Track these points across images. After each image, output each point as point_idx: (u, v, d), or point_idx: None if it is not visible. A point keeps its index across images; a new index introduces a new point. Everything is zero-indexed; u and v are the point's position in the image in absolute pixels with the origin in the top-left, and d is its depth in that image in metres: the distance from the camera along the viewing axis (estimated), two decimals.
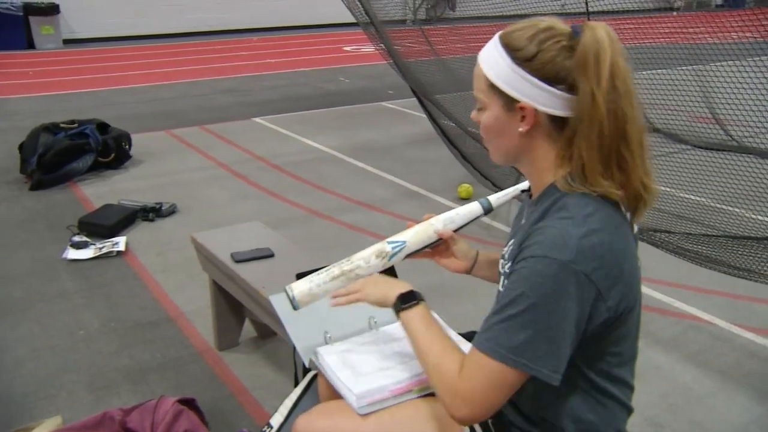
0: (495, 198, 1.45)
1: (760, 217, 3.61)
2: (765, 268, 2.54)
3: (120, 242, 3.71)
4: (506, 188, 1.49)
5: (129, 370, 2.60)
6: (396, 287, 1.32)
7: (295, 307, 1.38)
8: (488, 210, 1.45)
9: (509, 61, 1.14)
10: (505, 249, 1.28)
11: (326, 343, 1.55)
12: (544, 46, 1.12)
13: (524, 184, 1.44)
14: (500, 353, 1.09)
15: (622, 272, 1.12)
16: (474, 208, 1.44)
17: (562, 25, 1.14)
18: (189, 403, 2.20)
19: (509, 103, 1.16)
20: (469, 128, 4.42)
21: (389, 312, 1.35)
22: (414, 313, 1.27)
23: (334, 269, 1.39)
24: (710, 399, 2.44)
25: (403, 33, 5.06)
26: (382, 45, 4.62)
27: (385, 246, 1.39)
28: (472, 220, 1.44)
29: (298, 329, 1.66)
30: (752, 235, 3.01)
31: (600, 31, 1.09)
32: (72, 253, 3.60)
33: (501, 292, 1.20)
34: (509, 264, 1.18)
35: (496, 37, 1.19)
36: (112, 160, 5.06)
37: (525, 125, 1.16)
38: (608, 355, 1.18)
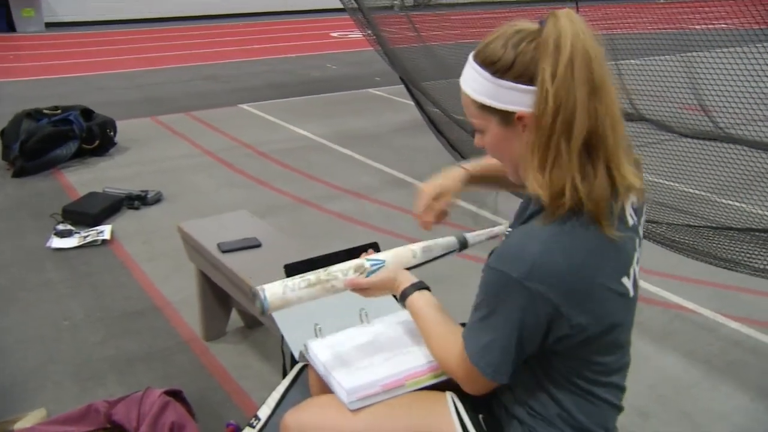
0: (471, 236, 1.51)
1: (745, 206, 3.63)
2: (750, 260, 2.55)
3: (105, 231, 3.67)
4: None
5: (115, 360, 2.58)
6: (399, 286, 1.37)
7: (264, 311, 1.35)
8: (463, 246, 1.51)
9: (489, 76, 1.11)
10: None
11: (317, 336, 1.54)
12: (519, 49, 1.08)
13: (500, 228, 1.52)
14: (472, 350, 1.17)
15: (591, 292, 1.09)
16: (451, 241, 1.50)
17: (531, 24, 1.10)
18: (176, 394, 2.18)
19: (506, 117, 1.13)
20: (455, 115, 4.41)
21: (380, 305, 1.36)
22: (414, 299, 1.34)
23: (311, 276, 1.39)
24: (696, 389, 2.46)
25: (391, 19, 5.02)
26: (369, 31, 4.59)
27: (364, 263, 1.42)
28: (448, 253, 1.50)
29: (287, 322, 1.64)
30: (737, 226, 3.03)
31: (563, 19, 1.05)
32: (56, 242, 3.56)
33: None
34: None
35: (470, 58, 1.16)
36: (96, 147, 5.00)
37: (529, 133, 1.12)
38: (593, 364, 1.18)
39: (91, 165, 4.89)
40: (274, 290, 1.36)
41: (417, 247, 1.46)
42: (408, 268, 1.45)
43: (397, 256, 1.45)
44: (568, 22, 1.04)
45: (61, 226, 3.69)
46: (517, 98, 1.10)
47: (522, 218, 1.18)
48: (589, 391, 1.20)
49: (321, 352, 1.47)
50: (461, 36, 5.10)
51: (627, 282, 1.16)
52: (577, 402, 1.20)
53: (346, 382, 1.33)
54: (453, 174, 1.51)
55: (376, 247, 1.84)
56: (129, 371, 2.51)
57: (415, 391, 1.36)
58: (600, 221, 1.08)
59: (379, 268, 1.41)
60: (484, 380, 1.18)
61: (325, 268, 1.40)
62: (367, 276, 1.40)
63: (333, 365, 1.41)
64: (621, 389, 1.25)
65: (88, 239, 3.58)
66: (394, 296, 1.76)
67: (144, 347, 2.66)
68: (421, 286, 1.36)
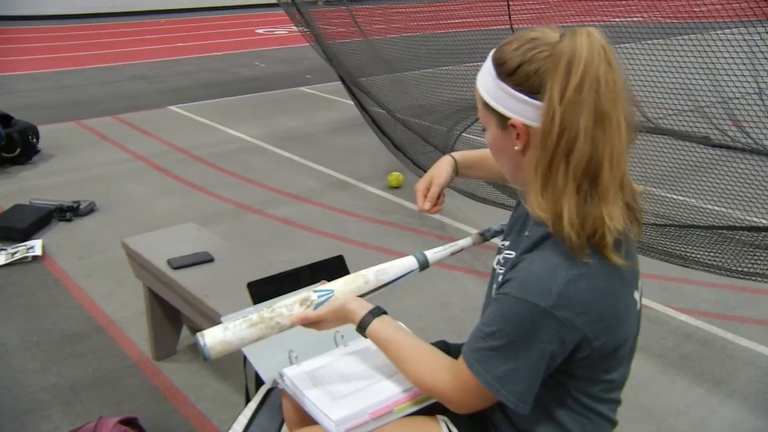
0: (432, 253, 1.41)
1: (677, 197, 3.72)
2: (700, 256, 2.61)
3: (35, 246, 3.46)
4: None
5: (58, 388, 2.42)
6: (354, 316, 1.28)
7: (206, 358, 1.29)
8: (424, 265, 1.41)
9: (495, 76, 1.09)
10: (502, 252, 1.26)
11: (291, 363, 1.47)
12: (527, 57, 1.05)
13: (464, 242, 1.44)
14: (486, 378, 1.10)
15: (614, 314, 1.09)
16: (409, 262, 1.40)
17: (553, 34, 1.06)
18: (131, 422, 2.06)
19: (502, 120, 1.11)
20: (398, 114, 4.36)
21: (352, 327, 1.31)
22: (376, 327, 1.26)
23: (253, 315, 1.32)
24: (654, 384, 2.50)
25: (330, 13, 4.93)
26: (305, 28, 4.48)
27: (310, 294, 1.34)
28: (407, 274, 1.40)
29: (257, 349, 1.56)
30: (681, 221, 3.10)
31: (581, 37, 1.00)
32: None
33: (490, 302, 1.16)
34: (502, 275, 1.15)
35: (491, 52, 1.12)
36: (18, 155, 4.73)
37: (519, 143, 1.10)
38: (600, 382, 1.16)
39: (12, 175, 4.61)
40: (213, 334, 1.29)
41: (369, 272, 1.38)
42: (362, 296, 1.36)
43: (347, 284, 1.36)
44: (586, 41, 0.99)
45: None
46: (513, 105, 1.08)
47: (533, 240, 1.12)
48: (593, 409, 1.18)
49: (299, 380, 1.40)
50: (405, 29, 5.06)
51: (636, 295, 1.17)
52: (579, 421, 1.18)
53: (333, 413, 1.27)
54: (441, 163, 1.50)
55: (341, 260, 1.78)
56: (75, 400, 2.36)
57: (404, 417, 1.31)
58: (602, 251, 1.05)
59: (327, 299, 1.33)
60: (477, 401, 1.15)
61: (269, 306, 1.33)
62: (315, 309, 1.32)
63: (314, 395, 1.34)
64: (619, 404, 1.24)
65: (17, 256, 3.36)
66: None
67: (89, 372, 2.51)
68: (378, 311, 1.28)
